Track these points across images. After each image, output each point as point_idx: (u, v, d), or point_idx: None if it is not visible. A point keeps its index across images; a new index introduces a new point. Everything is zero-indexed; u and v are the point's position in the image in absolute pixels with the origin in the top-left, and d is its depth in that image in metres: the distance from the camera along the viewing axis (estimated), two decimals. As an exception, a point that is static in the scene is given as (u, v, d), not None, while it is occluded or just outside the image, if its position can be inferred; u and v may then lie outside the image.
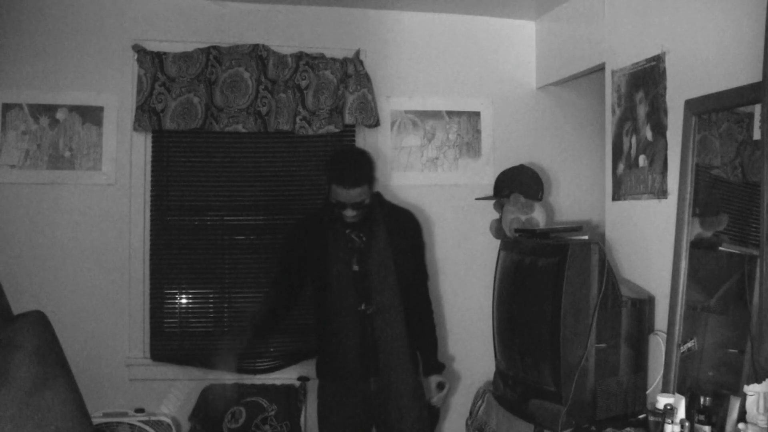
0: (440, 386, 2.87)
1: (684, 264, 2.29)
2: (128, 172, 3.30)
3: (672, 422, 2.00)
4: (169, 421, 3.16)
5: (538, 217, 3.17)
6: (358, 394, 2.74)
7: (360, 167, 2.69)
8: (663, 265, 2.41)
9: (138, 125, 3.24)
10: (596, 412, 2.24)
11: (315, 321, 2.90)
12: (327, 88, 3.35)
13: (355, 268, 2.72)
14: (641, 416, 2.24)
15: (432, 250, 3.48)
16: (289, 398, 3.23)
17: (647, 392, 2.38)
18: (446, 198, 3.55)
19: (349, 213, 2.65)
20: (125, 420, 3.11)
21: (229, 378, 3.29)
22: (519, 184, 3.21)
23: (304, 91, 3.34)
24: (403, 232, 2.84)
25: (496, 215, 3.33)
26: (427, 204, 3.50)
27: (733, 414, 1.95)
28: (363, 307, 2.71)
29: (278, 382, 3.30)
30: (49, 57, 3.22)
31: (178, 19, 3.35)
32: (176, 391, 3.22)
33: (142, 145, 3.32)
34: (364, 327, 2.71)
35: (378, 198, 2.85)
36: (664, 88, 2.46)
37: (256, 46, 3.32)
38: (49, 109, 3.22)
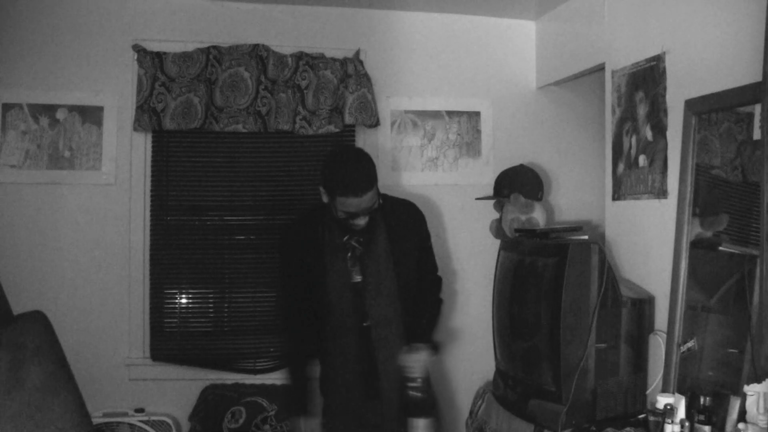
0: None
1: (684, 264, 2.29)
2: (128, 172, 3.30)
3: (672, 422, 2.00)
4: (169, 421, 3.16)
5: (538, 217, 3.17)
6: (364, 414, 2.44)
7: (365, 169, 2.34)
8: (663, 265, 2.40)
9: (138, 125, 3.24)
10: (596, 412, 2.24)
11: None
12: (327, 88, 3.35)
13: (357, 278, 2.43)
14: (641, 416, 2.24)
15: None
16: (289, 398, 3.23)
17: (647, 392, 2.38)
18: (446, 198, 3.55)
19: (361, 221, 2.35)
20: (125, 420, 3.11)
21: (229, 378, 3.30)
22: (519, 184, 3.21)
23: (304, 91, 3.34)
24: (405, 229, 2.51)
25: (496, 215, 3.33)
26: (427, 204, 3.50)
27: (733, 414, 1.95)
28: (367, 323, 2.41)
29: (278, 382, 3.30)
30: (49, 57, 3.22)
31: (178, 19, 3.35)
32: None
33: (142, 145, 3.32)
34: (367, 344, 2.41)
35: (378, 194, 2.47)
36: (664, 88, 2.46)
37: (256, 46, 3.32)
38: (49, 109, 3.22)
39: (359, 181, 2.27)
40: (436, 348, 2.51)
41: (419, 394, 2.27)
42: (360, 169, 2.32)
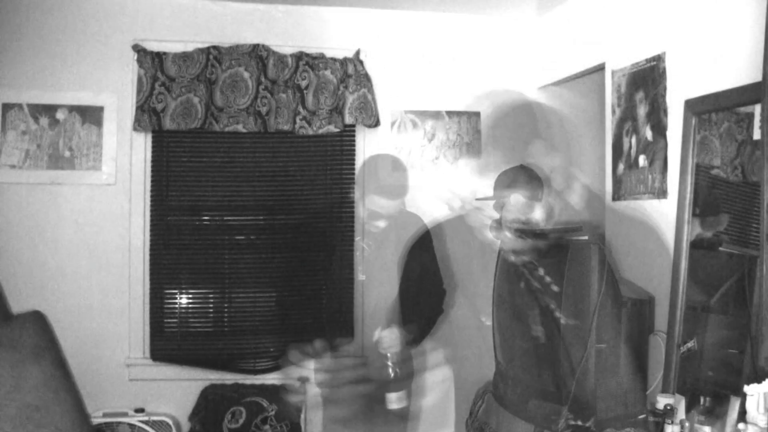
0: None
1: (684, 264, 2.29)
2: (128, 172, 3.30)
3: (672, 422, 2.00)
4: (169, 421, 3.16)
5: (538, 217, 3.17)
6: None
7: (404, 177, 2.67)
8: (663, 265, 2.40)
9: (138, 125, 3.24)
10: (596, 412, 2.24)
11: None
12: (327, 88, 3.35)
13: (362, 277, 2.67)
14: (641, 416, 2.24)
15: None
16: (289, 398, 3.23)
17: (647, 392, 2.38)
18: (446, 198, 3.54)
19: (383, 224, 2.58)
20: (125, 420, 3.11)
21: (229, 378, 3.30)
22: (519, 184, 3.20)
23: (304, 91, 3.34)
24: (412, 240, 2.73)
25: (496, 215, 3.33)
26: (427, 204, 3.50)
27: (733, 414, 1.95)
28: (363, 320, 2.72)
29: (278, 382, 3.30)
30: (49, 57, 3.22)
31: (178, 19, 3.35)
32: None
33: (142, 145, 3.32)
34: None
35: None
36: (664, 88, 2.46)
37: (256, 46, 3.32)
38: (49, 109, 3.22)
39: (396, 187, 2.58)
40: (413, 336, 2.65)
41: (392, 373, 2.43)
42: (400, 178, 2.64)
